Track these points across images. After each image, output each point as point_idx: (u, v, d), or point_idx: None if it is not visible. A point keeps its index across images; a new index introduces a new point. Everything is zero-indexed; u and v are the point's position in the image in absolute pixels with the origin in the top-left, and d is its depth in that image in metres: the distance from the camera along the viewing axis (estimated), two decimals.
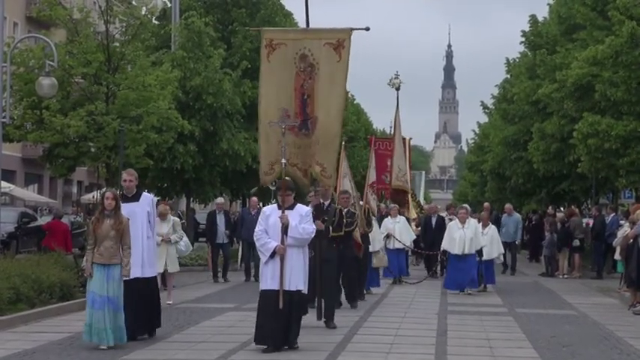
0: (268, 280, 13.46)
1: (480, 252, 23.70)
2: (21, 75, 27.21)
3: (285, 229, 13.41)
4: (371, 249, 22.44)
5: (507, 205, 34.41)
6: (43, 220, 35.10)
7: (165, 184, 34.53)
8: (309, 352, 13.50)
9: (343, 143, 25.14)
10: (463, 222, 23.50)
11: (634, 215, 21.51)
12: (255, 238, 13.74)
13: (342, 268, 18.56)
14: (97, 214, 13.75)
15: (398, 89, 32.33)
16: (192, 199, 37.39)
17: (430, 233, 29.32)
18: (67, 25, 27.88)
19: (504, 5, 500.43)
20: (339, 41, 15.58)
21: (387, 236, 25.77)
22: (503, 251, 26.57)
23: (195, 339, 14.73)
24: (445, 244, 23.83)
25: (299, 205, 13.87)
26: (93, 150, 26.98)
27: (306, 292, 13.70)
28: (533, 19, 42.44)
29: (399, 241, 26.23)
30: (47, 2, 27.87)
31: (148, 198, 14.95)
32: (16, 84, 27.13)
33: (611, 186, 37.86)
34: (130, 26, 27.93)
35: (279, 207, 13.76)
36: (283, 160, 14.22)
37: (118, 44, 27.94)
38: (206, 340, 14.65)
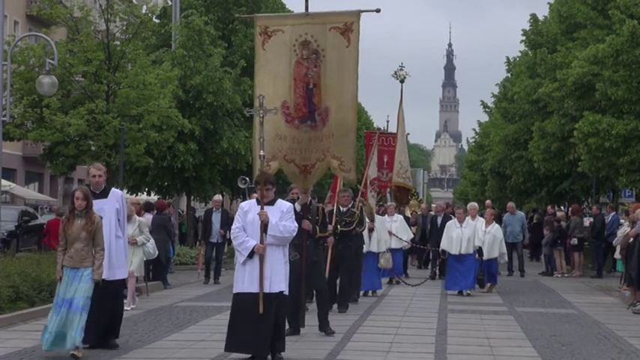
0: (245, 282, 12.14)
1: (479, 252, 23.47)
2: (21, 73, 27.25)
3: (264, 226, 12.17)
4: (376, 249, 22.17)
5: (510, 204, 33.60)
6: (43, 219, 35.11)
7: (166, 183, 34.54)
8: (308, 351, 13.49)
9: (375, 137, 24.84)
10: (461, 221, 23.25)
11: (634, 214, 21.52)
12: (232, 237, 12.57)
13: (340, 268, 18.42)
14: (68, 214, 12.66)
15: (402, 82, 31.24)
16: (192, 197, 37.39)
17: (435, 233, 28.60)
18: (67, 23, 27.91)
19: (505, 4, 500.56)
20: (346, 25, 14.53)
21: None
22: (505, 251, 25.81)
23: (195, 337, 14.72)
24: (444, 244, 23.56)
25: (280, 201, 12.66)
26: (93, 148, 27.02)
27: (287, 294, 12.51)
28: (533, 18, 42.40)
29: (399, 239, 25.73)
30: (48, 0, 27.91)
31: (117, 194, 13.95)
32: (17, 82, 27.16)
33: (612, 185, 37.86)
34: (131, 25, 28.00)
35: (259, 203, 12.41)
36: (261, 152, 13.03)
37: (118, 43, 27.99)
38: (206, 338, 14.65)
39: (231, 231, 12.51)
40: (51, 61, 25.16)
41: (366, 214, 22.03)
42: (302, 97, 14.66)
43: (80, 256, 12.36)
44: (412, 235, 27.75)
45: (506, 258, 27.06)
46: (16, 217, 34.07)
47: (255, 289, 12.04)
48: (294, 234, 12.54)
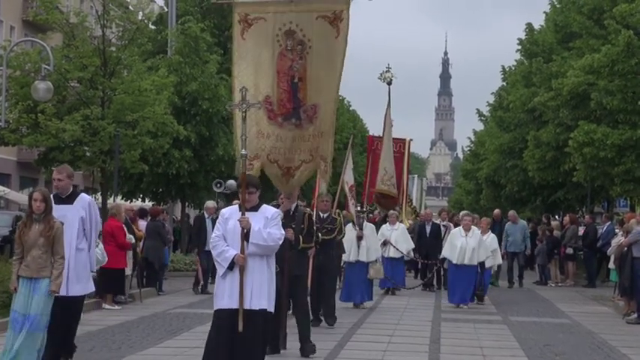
0: (225, 297, 10.74)
1: (482, 264, 22.42)
2: (17, 78, 27.21)
3: (246, 234, 10.79)
4: (366, 259, 21.24)
5: (511, 212, 32.33)
6: None
7: (161, 189, 34.52)
8: (301, 359, 13.46)
9: (350, 141, 24.19)
10: (467, 230, 22.14)
11: (628, 224, 21.54)
12: (210, 247, 11.16)
13: (321, 280, 17.16)
14: (25, 219, 11.36)
15: (389, 84, 30.05)
16: (187, 204, 37.37)
17: (424, 242, 27.82)
18: (63, 29, 27.88)
19: (501, 13, 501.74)
20: (335, 14, 13.09)
21: (384, 243, 24.59)
22: (500, 262, 25.15)
23: (188, 344, 14.69)
24: (446, 252, 22.67)
25: (265, 207, 11.21)
26: (88, 154, 26.96)
27: (272, 311, 11.02)
28: (529, 28, 42.57)
29: (397, 249, 25.00)
30: (44, 6, 27.89)
31: (84, 200, 12.33)
32: (12, 87, 27.13)
33: (606, 195, 37.90)
34: (127, 31, 27.97)
35: (241, 208, 11.04)
36: (243, 151, 11.46)
37: (114, 49, 27.96)
38: (199, 345, 14.56)
39: (211, 240, 11.17)
40: (46, 67, 25.13)
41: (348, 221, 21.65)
42: (286, 91, 13.24)
43: (37, 265, 11.07)
44: (413, 245, 26.63)
45: (497, 268, 26.21)
46: (10, 223, 33.97)
47: (235, 304, 10.66)
48: (280, 242, 11.12)
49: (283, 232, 11.25)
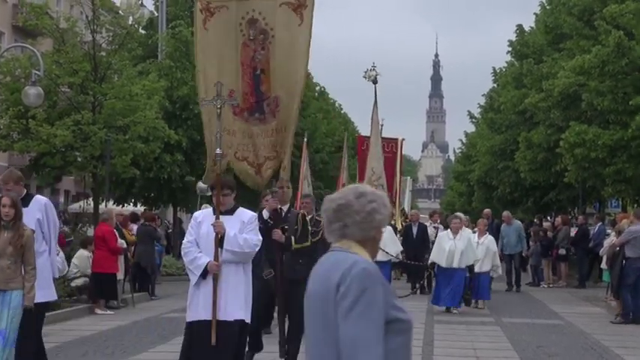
0: (200, 308, 10.03)
1: (470, 267, 21.77)
2: (7, 84, 27.18)
3: (220, 239, 10.09)
4: None
5: (505, 213, 31.48)
6: None
7: (152, 194, 34.48)
8: None
9: (305, 141, 23.61)
10: (456, 232, 21.55)
11: (620, 224, 21.56)
12: (182, 253, 10.45)
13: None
14: None
15: (375, 82, 29.61)
16: (178, 208, 37.32)
17: (411, 243, 27.23)
18: (53, 34, 27.86)
19: (491, 15, 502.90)
20: (299, 0, 12.12)
21: None
22: (499, 264, 24.30)
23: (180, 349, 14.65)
24: (434, 256, 22.07)
25: (241, 210, 10.52)
26: (79, 159, 26.94)
27: (248, 322, 10.35)
28: (519, 29, 42.60)
29: (386, 252, 24.08)
30: (34, 11, 27.86)
31: (39, 202, 11.57)
32: (3, 93, 27.11)
33: (598, 195, 37.94)
34: (117, 36, 27.97)
35: (215, 211, 10.40)
36: (218, 150, 10.74)
37: (104, 54, 27.94)
38: None
39: (182, 246, 10.47)
40: (37, 72, 25.10)
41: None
42: (249, 85, 12.20)
43: (6, 276, 10.20)
44: (401, 247, 26.13)
45: (500, 271, 25.14)
46: None
47: (209, 316, 9.98)
48: (257, 248, 10.44)
49: (260, 237, 10.55)
